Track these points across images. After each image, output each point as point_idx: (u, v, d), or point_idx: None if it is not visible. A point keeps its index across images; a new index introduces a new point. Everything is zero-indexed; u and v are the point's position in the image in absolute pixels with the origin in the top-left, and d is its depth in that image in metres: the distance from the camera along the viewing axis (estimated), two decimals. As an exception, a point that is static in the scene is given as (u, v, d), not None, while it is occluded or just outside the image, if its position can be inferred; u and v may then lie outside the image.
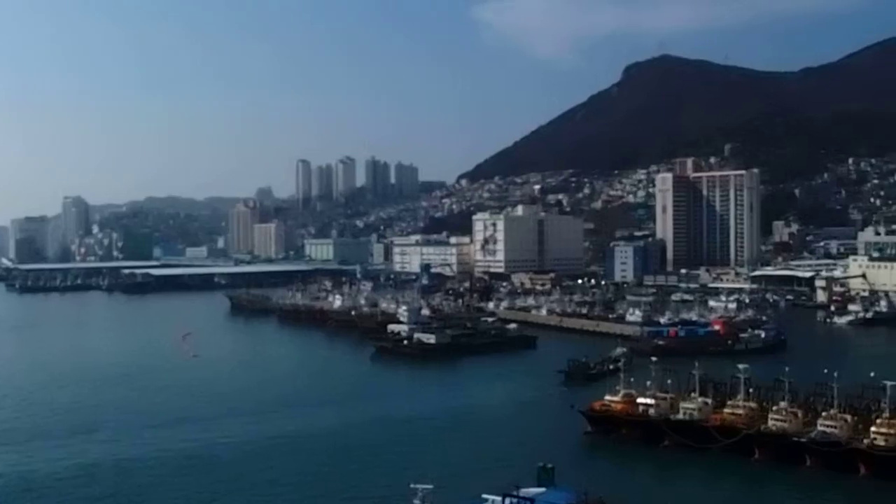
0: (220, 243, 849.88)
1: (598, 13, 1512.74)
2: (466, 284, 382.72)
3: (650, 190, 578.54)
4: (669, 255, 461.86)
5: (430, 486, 72.27)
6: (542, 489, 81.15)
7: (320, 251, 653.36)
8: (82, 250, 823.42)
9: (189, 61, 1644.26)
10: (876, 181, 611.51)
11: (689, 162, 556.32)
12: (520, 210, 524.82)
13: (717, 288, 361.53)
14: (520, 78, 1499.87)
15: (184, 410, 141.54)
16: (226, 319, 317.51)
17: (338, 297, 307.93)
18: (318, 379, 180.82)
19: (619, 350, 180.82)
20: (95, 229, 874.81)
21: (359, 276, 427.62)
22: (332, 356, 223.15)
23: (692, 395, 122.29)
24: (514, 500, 75.30)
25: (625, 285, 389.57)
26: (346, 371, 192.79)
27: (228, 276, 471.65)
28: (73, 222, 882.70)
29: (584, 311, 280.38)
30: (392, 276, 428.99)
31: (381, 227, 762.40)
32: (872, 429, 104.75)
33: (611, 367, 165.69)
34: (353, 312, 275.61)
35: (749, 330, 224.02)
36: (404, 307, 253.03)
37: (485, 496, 78.00)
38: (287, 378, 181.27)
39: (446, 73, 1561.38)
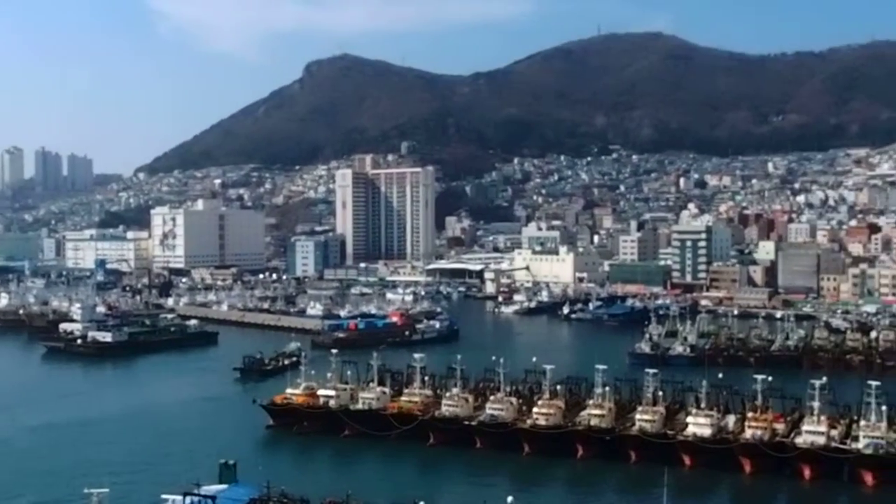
0: None
1: (278, 9, 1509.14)
2: (145, 280, 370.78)
3: (331, 186, 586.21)
4: (349, 249, 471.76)
5: (105, 490, 70.19)
6: (224, 486, 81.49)
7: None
8: None
9: None
10: (538, 180, 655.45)
11: (368, 159, 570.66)
12: (200, 204, 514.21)
13: (394, 281, 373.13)
14: (200, 70, 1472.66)
15: None
16: None
17: (3, 295, 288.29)
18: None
19: (294, 345, 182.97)
20: None
21: (27, 272, 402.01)
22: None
23: (371, 385, 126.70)
24: (196, 499, 74.93)
25: (306, 279, 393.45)
26: (14, 374, 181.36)
27: None
28: None
29: (266, 305, 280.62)
30: (65, 273, 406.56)
31: (53, 222, 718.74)
32: (534, 409, 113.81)
33: (286, 362, 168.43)
34: (21, 311, 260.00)
35: (425, 321, 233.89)
36: (78, 305, 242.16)
37: (165, 496, 77.11)
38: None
39: (122, 63, 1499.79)
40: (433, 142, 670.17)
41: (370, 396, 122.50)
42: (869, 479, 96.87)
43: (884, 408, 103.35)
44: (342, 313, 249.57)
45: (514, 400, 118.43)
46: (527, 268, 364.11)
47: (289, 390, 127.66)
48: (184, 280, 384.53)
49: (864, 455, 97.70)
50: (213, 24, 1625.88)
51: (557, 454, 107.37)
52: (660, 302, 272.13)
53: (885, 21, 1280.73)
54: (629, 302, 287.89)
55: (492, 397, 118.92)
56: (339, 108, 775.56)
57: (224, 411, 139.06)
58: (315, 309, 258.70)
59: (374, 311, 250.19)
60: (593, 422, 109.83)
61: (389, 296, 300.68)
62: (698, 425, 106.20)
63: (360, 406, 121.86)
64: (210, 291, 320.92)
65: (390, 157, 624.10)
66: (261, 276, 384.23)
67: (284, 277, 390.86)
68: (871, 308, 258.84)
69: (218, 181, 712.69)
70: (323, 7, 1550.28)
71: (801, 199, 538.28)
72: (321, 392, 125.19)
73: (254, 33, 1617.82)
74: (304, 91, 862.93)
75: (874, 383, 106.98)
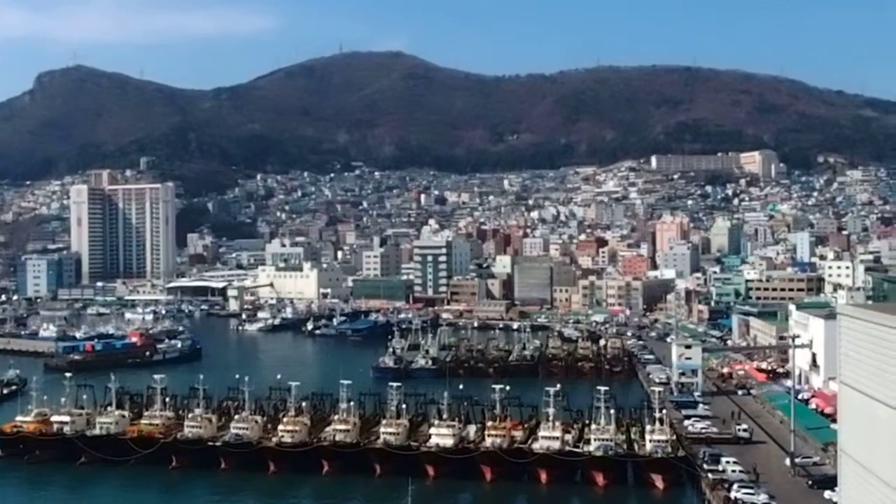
0: None
1: (3, 15, 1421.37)
2: None
3: (65, 202, 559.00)
4: (85, 268, 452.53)
5: None
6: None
7: None
8: None
9: None
10: (282, 196, 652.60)
11: (105, 174, 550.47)
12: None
13: (134, 300, 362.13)
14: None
15: None
16: None
17: None
18: None
19: (12, 372, 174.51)
20: None
21: None
22: None
23: (109, 408, 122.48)
24: None
25: (38, 300, 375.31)
26: None
27: None
28: None
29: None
30: None
31: None
32: (280, 427, 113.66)
33: (5, 391, 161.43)
34: None
35: (166, 340, 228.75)
36: None
37: None
38: None
39: None
40: (174, 157, 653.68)
41: (108, 421, 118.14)
42: (600, 479, 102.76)
43: (612, 411, 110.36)
44: (78, 334, 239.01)
45: (258, 418, 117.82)
46: (271, 284, 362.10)
47: (18, 418, 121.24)
48: None
49: (595, 457, 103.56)
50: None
51: (304, 471, 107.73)
52: (402, 316, 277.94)
53: (608, 47, 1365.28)
54: (373, 317, 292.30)
55: (236, 416, 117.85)
56: (74, 121, 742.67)
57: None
58: (48, 331, 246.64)
59: (112, 332, 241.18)
60: (338, 437, 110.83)
61: (129, 315, 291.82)
62: (440, 436, 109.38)
63: (97, 431, 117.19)
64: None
65: (129, 173, 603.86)
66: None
67: (14, 298, 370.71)
68: (599, 318, 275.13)
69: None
70: (54, 15, 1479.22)
71: (534, 214, 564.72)
72: (55, 418, 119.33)
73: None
74: (36, 103, 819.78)
75: (603, 389, 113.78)
